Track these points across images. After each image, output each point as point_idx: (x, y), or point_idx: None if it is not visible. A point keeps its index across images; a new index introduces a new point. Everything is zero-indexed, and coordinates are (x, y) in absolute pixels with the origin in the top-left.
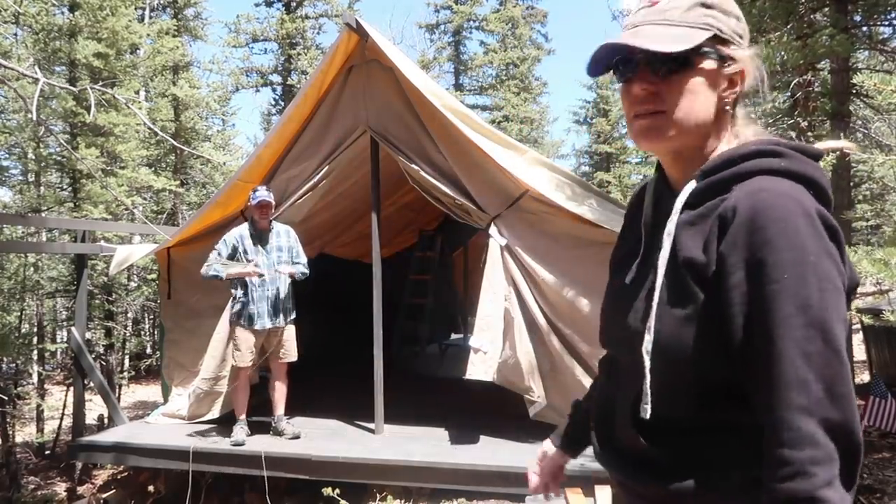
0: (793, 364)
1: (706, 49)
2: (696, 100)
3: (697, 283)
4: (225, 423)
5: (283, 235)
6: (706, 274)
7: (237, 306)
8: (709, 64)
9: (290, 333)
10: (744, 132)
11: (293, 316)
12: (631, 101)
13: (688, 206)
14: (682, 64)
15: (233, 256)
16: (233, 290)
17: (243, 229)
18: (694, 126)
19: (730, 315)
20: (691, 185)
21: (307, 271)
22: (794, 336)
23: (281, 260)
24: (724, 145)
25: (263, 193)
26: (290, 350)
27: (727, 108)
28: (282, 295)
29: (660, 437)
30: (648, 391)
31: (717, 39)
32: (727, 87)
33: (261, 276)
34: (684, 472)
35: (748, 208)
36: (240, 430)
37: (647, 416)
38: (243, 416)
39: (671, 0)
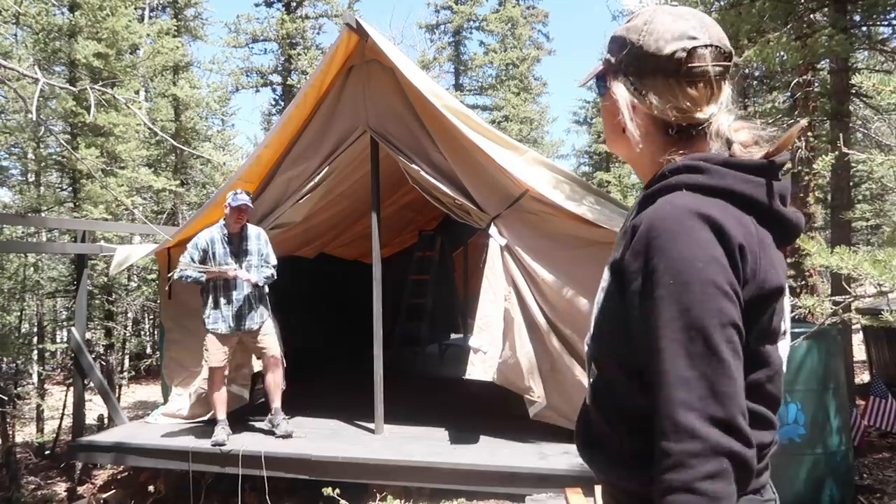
0: (675, 364)
1: (598, 80)
2: (608, 122)
3: (615, 286)
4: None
5: (254, 239)
6: (619, 278)
7: (205, 311)
8: (610, 91)
9: (267, 330)
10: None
11: (266, 318)
12: None
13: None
14: (601, 90)
15: (203, 261)
16: (202, 296)
17: (214, 232)
18: (617, 144)
19: (632, 318)
20: (639, 197)
21: (274, 274)
22: (676, 338)
23: (251, 264)
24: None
25: (245, 198)
26: (270, 345)
27: (665, 128)
28: (248, 300)
29: (610, 429)
30: (587, 375)
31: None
32: (632, 112)
33: (234, 277)
34: (622, 461)
35: (648, 220)
36: (221, 431)
37: (588, 402)
38: (223, 417)
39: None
